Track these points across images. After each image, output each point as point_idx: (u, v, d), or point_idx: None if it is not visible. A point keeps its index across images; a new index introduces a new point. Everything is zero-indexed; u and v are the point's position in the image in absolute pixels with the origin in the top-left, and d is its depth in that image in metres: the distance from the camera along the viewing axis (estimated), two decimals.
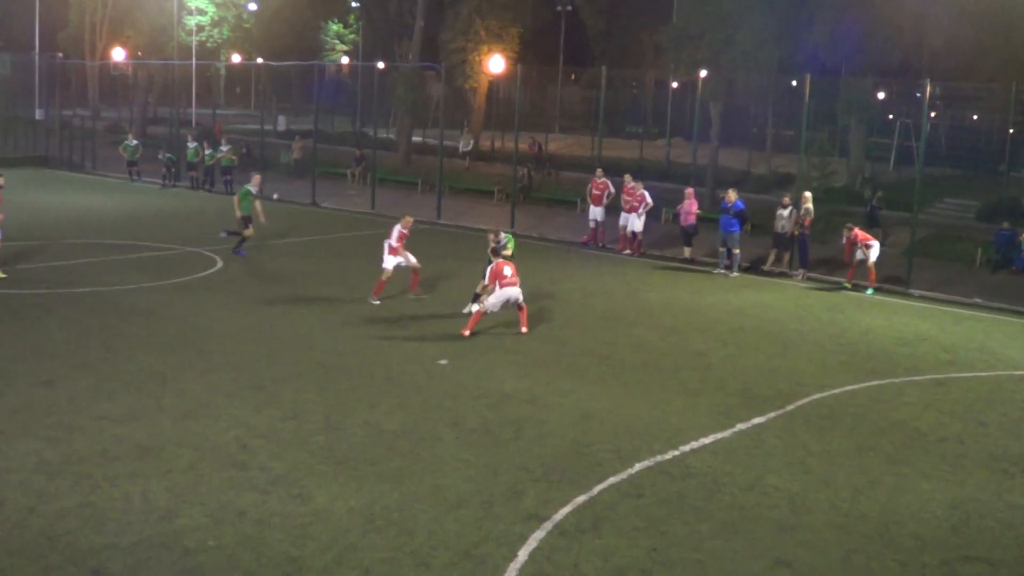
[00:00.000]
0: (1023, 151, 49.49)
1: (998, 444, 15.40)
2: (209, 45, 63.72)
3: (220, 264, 25.84)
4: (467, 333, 19.66)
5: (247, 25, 65.13)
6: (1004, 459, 14.73)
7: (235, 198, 28.07)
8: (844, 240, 27.57)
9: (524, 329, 20.13)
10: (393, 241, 22.19)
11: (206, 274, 24.68)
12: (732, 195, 28.34)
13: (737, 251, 28.16)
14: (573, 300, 23.71)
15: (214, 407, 14.91)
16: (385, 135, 58.76)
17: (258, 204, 27.68)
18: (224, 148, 42.64)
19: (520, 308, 20.24)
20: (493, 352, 18.78)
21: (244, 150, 47.77)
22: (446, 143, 41.27)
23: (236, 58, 65.54)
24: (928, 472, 14.00)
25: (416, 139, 57.86)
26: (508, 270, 19.94)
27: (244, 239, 27.33)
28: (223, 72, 77.00)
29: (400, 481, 12.48)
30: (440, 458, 13.36)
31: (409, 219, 22.65)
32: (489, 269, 20.09)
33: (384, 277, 22.17)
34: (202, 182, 42.85)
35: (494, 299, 19.89)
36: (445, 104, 46.97)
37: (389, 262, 22.20)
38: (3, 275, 22.63)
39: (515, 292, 19.99)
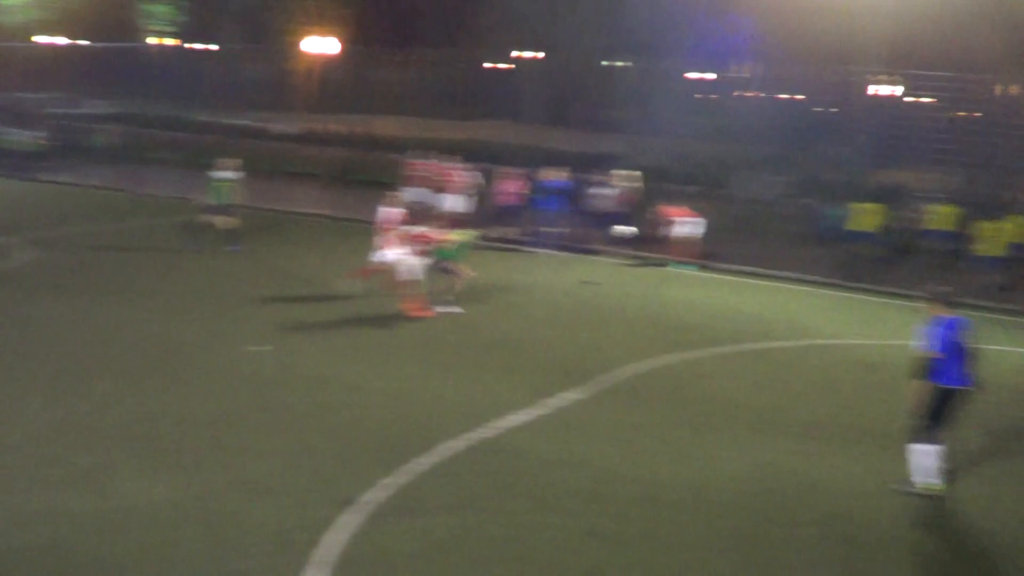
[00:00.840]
0: (832, 130, 51.24)
1: (799, 411, 16.02)
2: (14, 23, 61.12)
3: (26, 254, 24.90)
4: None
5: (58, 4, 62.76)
6: (805, 425, 15.34)
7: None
8: (651, 216, 28.30)
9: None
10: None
11: (15, 264, 23.80)
12: (551, 174, 28.69)
13: (554, 230, 28.48)
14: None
15: (19, 401, 14.40)
16: (206, 119, 57.37)
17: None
18: (29, 134, 41.09)
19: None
20: (316, 337, 18.59)
21: (46, 136, 45.60)
22: (273, 125, 40.56)
23: (53, 39, 63.04)
24: (736, 440, 14.47)
25: (240, 122, 56.75)
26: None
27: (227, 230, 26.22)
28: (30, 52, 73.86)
29: (210, 470, 12.30)
30: (251, 445, 13.20)
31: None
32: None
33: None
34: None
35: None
36: (273, 86, 46.24)
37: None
38: None
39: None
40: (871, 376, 18.22)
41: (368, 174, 42.88)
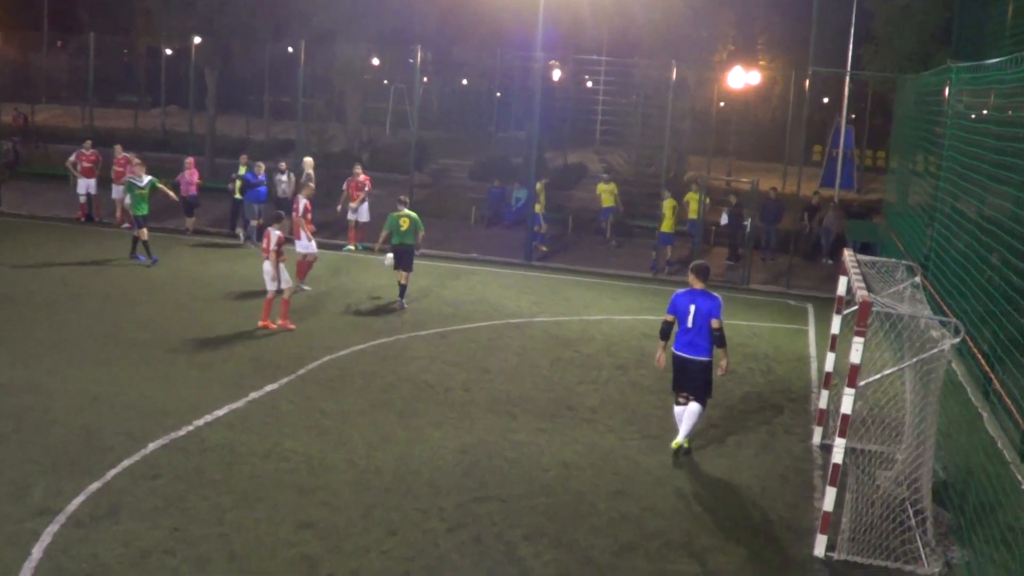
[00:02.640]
0: (509, 114, 52.64)
1: (500, 388, 16.39)
2: None
3: None
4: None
5: None
6: (507, 402, 15.71)
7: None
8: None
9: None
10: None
11: None
12: (262, 167, 28.16)
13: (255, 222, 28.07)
14: (74, 279, 22.47)
15: None
16: None
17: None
18: None
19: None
20: None
21: None
22: None
23: None
24: (438, 421, 14.65)
25: None
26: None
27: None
28: None
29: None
30: None
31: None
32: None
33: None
34: None
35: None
36: None
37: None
38: None
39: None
40: (567, 352, 18.85)
41: (32, 167, 40.72)
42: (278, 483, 12.17)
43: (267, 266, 19.26)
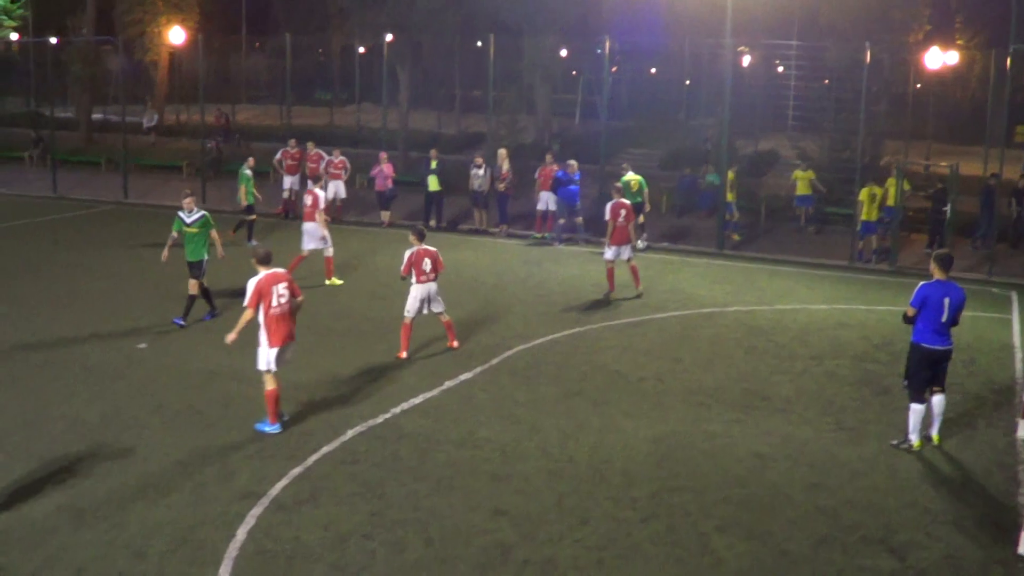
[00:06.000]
0: (698, 101, 52.11)
1: (693, 379, 16.23)
2: None
3: None
4: (403, 355, 16.84)
5: None
6: (699, 392, 15.55)
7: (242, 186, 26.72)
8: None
9: (454, 344, 17.55)
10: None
11: None
12: (574, 165, 28.25)
13: (581, 220, 28.24)
14: None
15: None
16: (64, 114, 55.74)
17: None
18: None
19: (442, 317, 17.31)
20: (194, 331, 18.23)
21: None
22: (129, 119, 39.64)
23: None
24: (631, 411, 14.60)
25: (97, 116, 55.19)
26: (427, 263, 16.79)
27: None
28: None
29: (107, 474, 11.97)
30: (147, 445, 12.88)
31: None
32: (407, 256, 16.90)
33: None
34: None
35: (410, 301, 16.82)
36: (125, 79, 45.06)
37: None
38: None
39: (430, 290, 16.85)
40: (761, 342, 18.55)
41: (235, 165, 42.29)
42: (473, 470, 12.34)
43: (312, 226, 21.66)
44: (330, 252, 22.24)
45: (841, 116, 33.25)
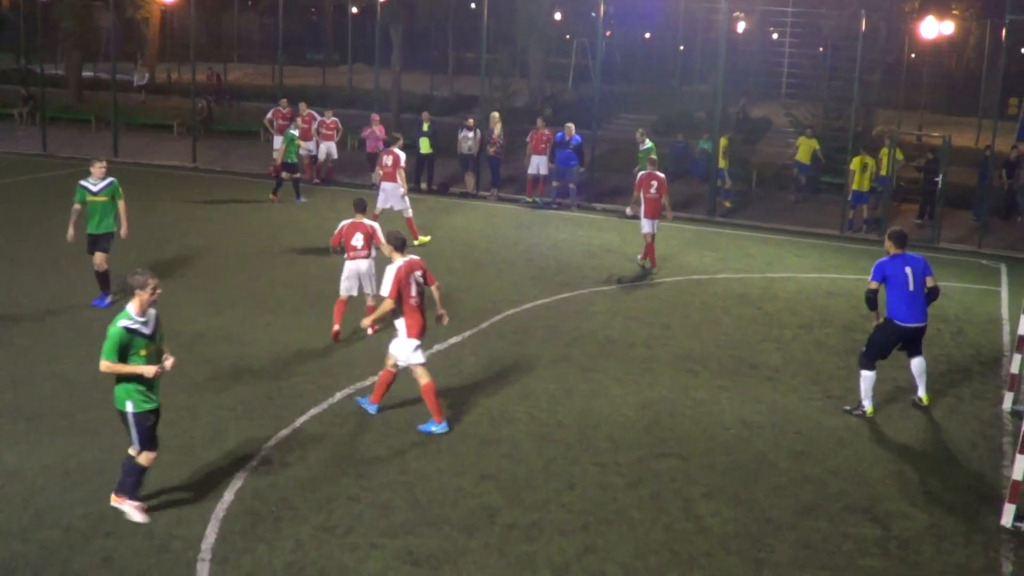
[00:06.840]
0: (692, 67, 51.91)
1: (682, 345, 16.26)
2: None
3: None
4: (336, 328, 15.81)
5: None
6: (688, 359, 15.59)
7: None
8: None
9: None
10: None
11: None
12: (571, 129, 28.07)
13: (574, 185, 28.11)
14: (262, 233, 23.19)
15: None
16: (54, 72, 55.32)
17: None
18: None
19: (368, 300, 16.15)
20: (182, 291, 18.17)
21: None
22: (120, 77, 39.34)
23: None
24: (620, 377, 14.63)
25: (87, 74, 54.79)
26: (359, 238, 15.94)
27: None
28: None
29: (96, 434, 11.94)
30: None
31: None
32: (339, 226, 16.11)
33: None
34: None
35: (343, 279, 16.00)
36: (116, 36, 44.71)
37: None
38: None
39: (359, 268, 15.93)
40: (750, 309, 18.58)
41: (226, 124, 42.11)
42: (460, 434, 12.37)
43: (391, 186, 22.36)
44: (410, 213, 22.47)
45: (835, 84, 33.16)
